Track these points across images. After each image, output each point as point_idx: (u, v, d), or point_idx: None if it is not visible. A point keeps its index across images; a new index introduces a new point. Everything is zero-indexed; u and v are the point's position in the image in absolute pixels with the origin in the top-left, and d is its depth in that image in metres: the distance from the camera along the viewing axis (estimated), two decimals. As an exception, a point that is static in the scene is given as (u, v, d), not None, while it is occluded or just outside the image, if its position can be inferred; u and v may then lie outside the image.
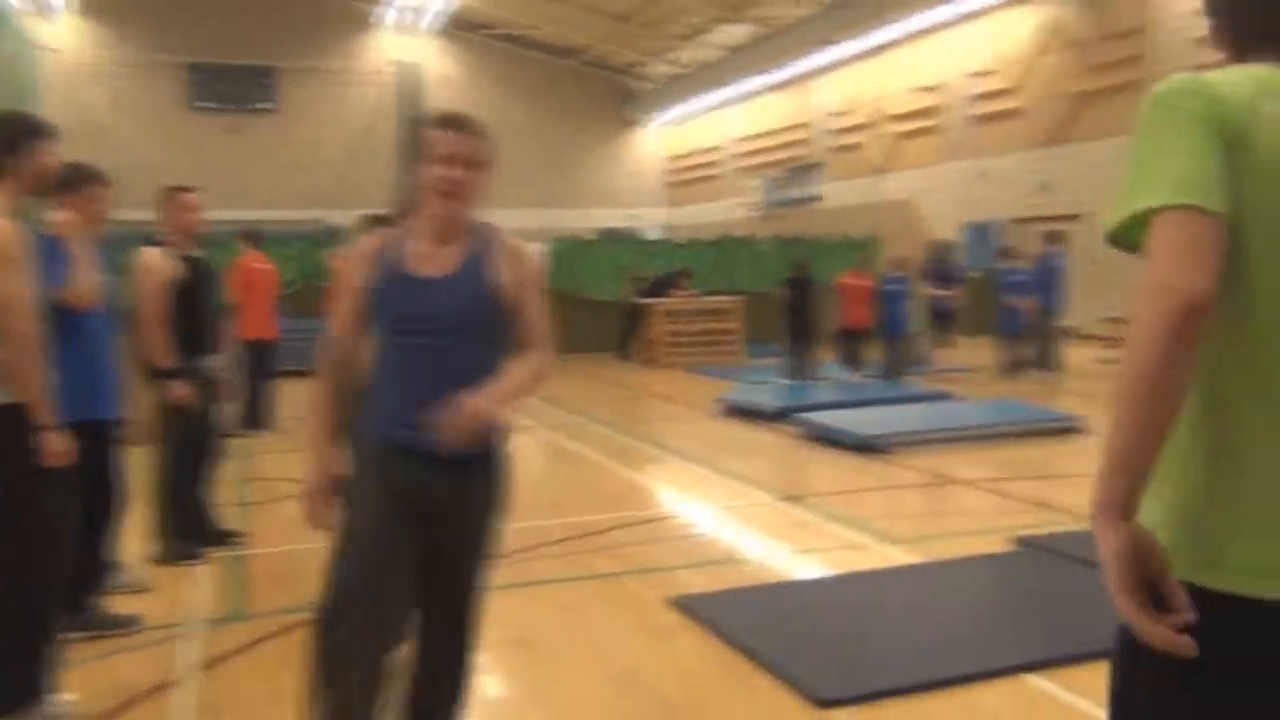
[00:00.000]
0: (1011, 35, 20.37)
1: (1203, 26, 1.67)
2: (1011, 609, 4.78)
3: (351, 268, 2.81)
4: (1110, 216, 1.48)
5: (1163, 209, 1.39)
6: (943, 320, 13.44)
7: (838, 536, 5.95)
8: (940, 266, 13.68)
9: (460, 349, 2.70)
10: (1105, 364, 13.84)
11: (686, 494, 7.39)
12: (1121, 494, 1.38)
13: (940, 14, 21.00)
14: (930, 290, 13.46)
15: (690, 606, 4.68)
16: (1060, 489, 7.05)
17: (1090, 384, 12.64)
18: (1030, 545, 5.56)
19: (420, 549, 2.75)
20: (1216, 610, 1.40)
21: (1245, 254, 1.41)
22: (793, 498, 6.98)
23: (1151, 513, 1.44)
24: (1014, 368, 13.34)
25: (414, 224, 2.79)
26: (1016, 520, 6.19)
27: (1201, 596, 1.39)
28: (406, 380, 2.72)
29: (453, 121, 2.72)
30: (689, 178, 33.69)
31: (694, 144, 33.27)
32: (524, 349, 2.79)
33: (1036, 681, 3.78)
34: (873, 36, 22.94)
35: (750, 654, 4.06)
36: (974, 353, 15.10)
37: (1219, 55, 1.61)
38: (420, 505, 2.72)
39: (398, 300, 2.72)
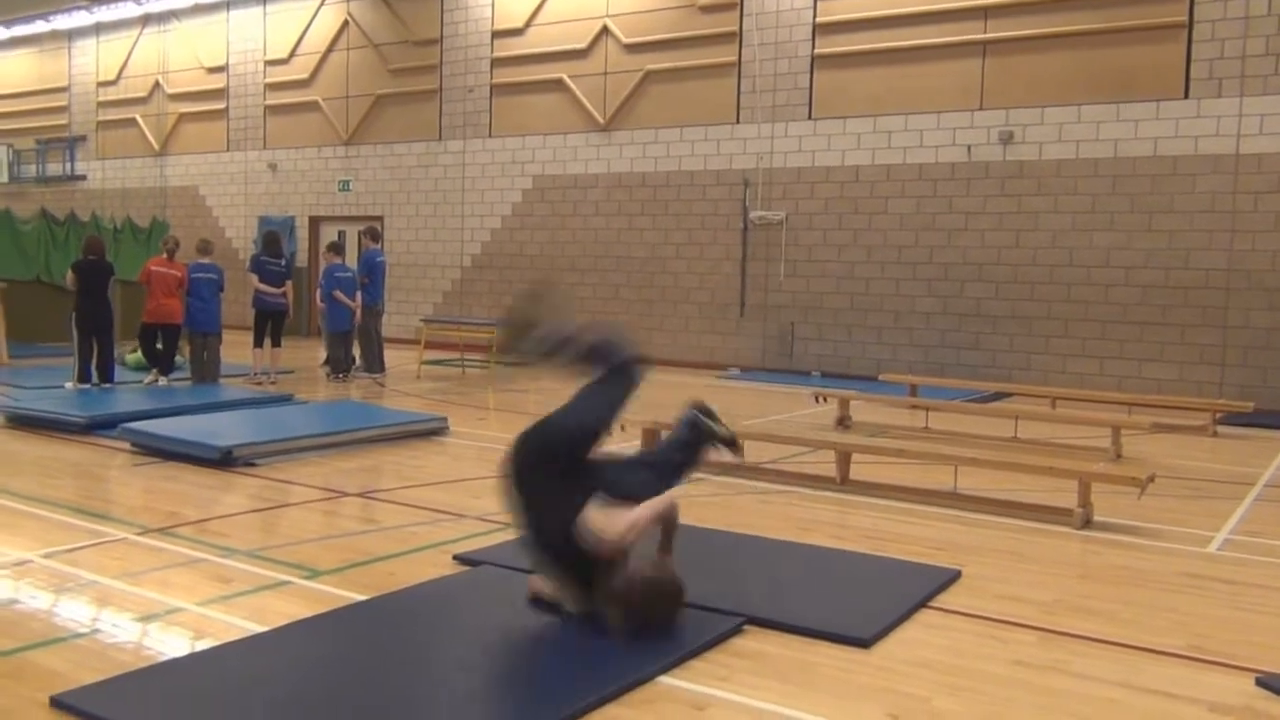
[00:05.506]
0: (308, 27, 19.64)
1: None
2: (506, 640, 4.08)
3: None
4: None
5: None
6: (273, 319, 12.10)
7: (253, 576, 4.73)
8: (272, 260, 12.24)
9: None
10: (426, 366, 13.82)
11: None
12: None
13: (232, -10, 19.50)
14: (260, 285, 12.09)
15: (78, 706, 3.23)
16: (458, 494, 6.57)
17: (418, 386, 12.49)
18: (474, 562, 4.96)
19: None
20: None
21: None
22: (163, 530, 5.50)
23: None
24: (343, 369, 12.68)
25: None
26: (441, 533, 5.55)
27: None
28: None
29: None
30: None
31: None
32: None
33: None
34: (153, 2, 20.52)
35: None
36: (292, 354, 14.12)
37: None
38: None
39: None
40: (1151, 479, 6.28)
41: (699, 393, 12.23)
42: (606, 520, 3.89)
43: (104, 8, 21.39)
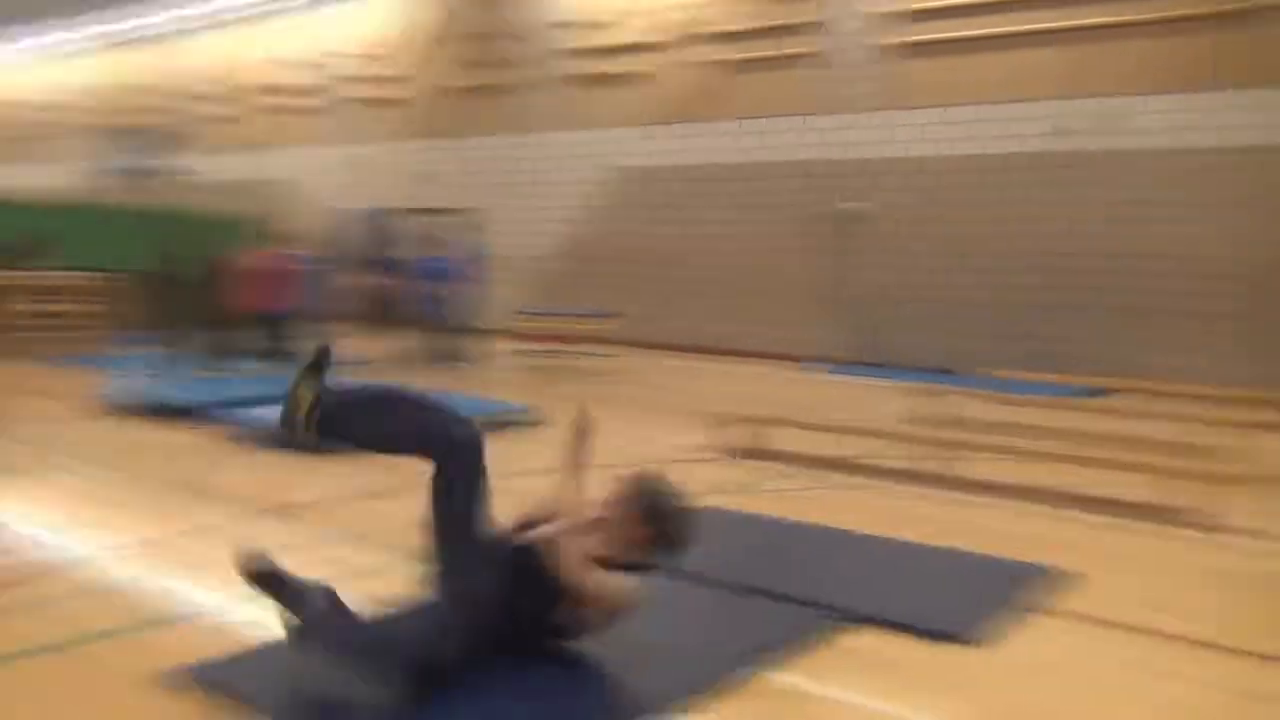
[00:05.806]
0: (399, 22, 19.97)
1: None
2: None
3: None
4: None
5: None
6: (375, 309, 12.46)
7: (361, 560, 4.85)
8: (374, 251, 12.65)
9: None
10: (519, 355, 13.99)
11: (111, 521, 5.66)
12: None
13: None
14: (363, 277, 12.44)
15: (206, 679, 3.36)
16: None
17: (509, 375, 12.65)
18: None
19: None
20: None
21: None
22: (279, 511, 5.68)
23: None
24: (441, 358, 12.92)
25: None
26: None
27: None
28: None
29: None
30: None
31: (12, 95, 28.19)
32: None
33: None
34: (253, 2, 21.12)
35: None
36: (390, 344, 14.40)
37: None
38: None
39: None
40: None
41: (777, 388, 12.18)
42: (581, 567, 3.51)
43: (207, 4, 22.02)
